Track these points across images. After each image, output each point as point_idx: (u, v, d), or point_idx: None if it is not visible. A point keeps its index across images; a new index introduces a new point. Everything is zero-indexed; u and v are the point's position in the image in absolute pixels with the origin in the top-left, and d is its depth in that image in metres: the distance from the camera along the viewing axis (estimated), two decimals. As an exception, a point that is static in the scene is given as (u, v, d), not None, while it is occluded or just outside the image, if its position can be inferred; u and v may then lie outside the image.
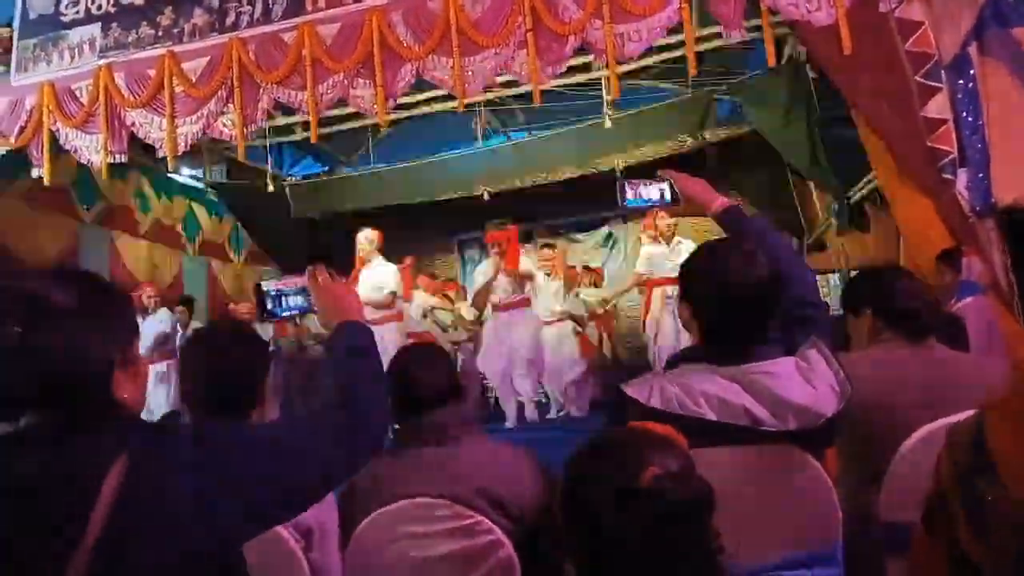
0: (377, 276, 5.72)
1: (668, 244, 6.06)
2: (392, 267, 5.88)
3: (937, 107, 3.54)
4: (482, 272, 5.96)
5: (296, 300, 1.52)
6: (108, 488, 0.90)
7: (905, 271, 2.16)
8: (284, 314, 1.52)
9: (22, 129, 4.38)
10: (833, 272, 7.00)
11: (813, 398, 1.38)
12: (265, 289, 1.51)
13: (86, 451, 0.92)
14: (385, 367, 1.44)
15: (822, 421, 1.37)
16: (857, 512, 1.63)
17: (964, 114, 3.40)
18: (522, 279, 5.95)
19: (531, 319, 6.14)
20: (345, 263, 9.62)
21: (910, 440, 1.65)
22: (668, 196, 1.73)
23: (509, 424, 5.87)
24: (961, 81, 3.41)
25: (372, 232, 5.86)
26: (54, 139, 4.35)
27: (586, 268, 8.08)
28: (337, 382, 1.26)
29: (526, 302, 6.08)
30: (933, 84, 3.55)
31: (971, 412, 0.95)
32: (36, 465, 0.90)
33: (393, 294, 5.72)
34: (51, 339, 0.94)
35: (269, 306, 1.50)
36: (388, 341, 5.43)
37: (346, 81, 3.91)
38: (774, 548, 1.34)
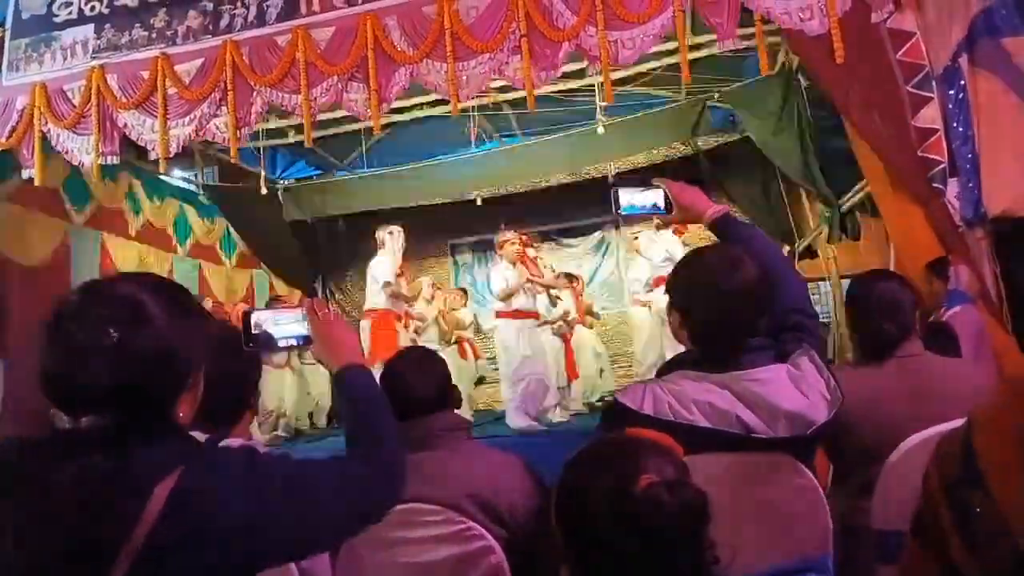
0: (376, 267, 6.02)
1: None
2: (384, 261, 6.05)
3: (928, 117, 3.57)
4: (505, 278, 5.91)
5: (292, 328, 1.43)
6: (159, 497, 0.90)
7: (883, 280, 2.15)
8: (279, 344, 1.44)
9: (13, 130, 4.34)
10: (824, 280, 7.03)
11: (804, 405, 1.39)
12: (254, 318, 1.41)
13: (144, 458, 0.94)
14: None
15: (813, 429, 1.38)
16: (848, 523, 1.64)
17: (955, 124, 3.42)
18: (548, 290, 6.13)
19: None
20: (335, 267, 9.64)
21: (900, 449, 1.66)
22: (661, 204, 1.74)
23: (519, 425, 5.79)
24: (952, 91, 3.43)
25: (392, 227, 6.24)
26: (45, 140, 4.32)
27: (568, 275, 8.03)
28: (354, 434, 1.27)
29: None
30: (924, 94, 3.58)
31: (959, 423, 0.95)
32: (93, 466, 0.91)
33: (387, 284, 5.98)
34: (143, 347, 0.97)
35: (257, 337, 1.41)
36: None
37: (340, 85, 3.90)
38: (765, 555, 1.35)
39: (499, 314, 5.91)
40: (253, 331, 1.40)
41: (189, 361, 1.03)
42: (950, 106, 3.47)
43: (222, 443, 1.13)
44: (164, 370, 0.99)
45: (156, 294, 1.02)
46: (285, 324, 1.43)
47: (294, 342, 1.44)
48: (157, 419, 1.00)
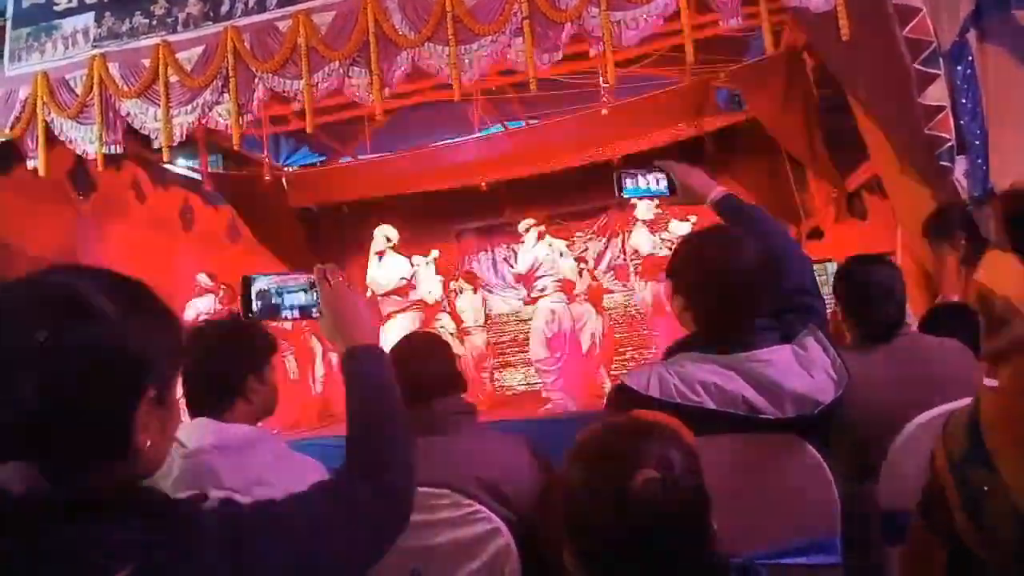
0: (389, 271, 5.83)
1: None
2: (404, 260, 5.99)
3: (935, 94, 3.53)
4: (539, 257, 5.95)
5: (297, 298, 1.26)
6: None
7: (878, 264, 2.15)
8: (283, 315, 1.26)
9: (16, 120, 4.35)
10: (830, 260, 7.00)
11: (810, 386, 1.38)
12: (256, 285, 1.25)
13: (80, 549, 0.72)
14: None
15: (820, 409, 1.37)
16: (850, 504, 1.64)
17: (963, 100, 3.39)
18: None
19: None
20: (340, 253, 9.65)
21: (907, 430, 1.66)
22: (665, 186, 1.72)
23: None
24: (960, 67, 3.40)
25: (387, 228, 5.96)
26: (48, 130, 4.32)
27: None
28: (359, 432, 1.09)
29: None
30: (931, 71, 3.54)
31: (964, 402, 0.94)
32: (4, 555, 0.70)
33: (402, 280, 6.00)
34: (81, 348, 0.75)
35: (256, 305, 1.24)
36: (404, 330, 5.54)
37: (342, 70, 3.88)
38: (773, 536, 1.35)
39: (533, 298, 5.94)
40: (254, 300, 1.24)
41: (144, 367, 0.80)
42: (958, 82, 3.43)
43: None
44: (110, 378, 0.77)
45: (99, 283, 0.80)
46: (290, 293, 1.26)
47: (298, 314, 1.27)
48: (105, 456, 0.77)
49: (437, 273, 7.32)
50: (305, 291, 1.26)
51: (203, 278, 6.42)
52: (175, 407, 0.87)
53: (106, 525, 0.74)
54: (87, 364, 0.75)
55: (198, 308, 6.19)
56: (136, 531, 0.75)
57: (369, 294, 5.92)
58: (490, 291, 8.58)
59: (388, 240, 6.03)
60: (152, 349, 0.81)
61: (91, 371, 0.75)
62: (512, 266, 7.12)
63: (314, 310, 1.25)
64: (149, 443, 0.80)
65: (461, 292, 8.00)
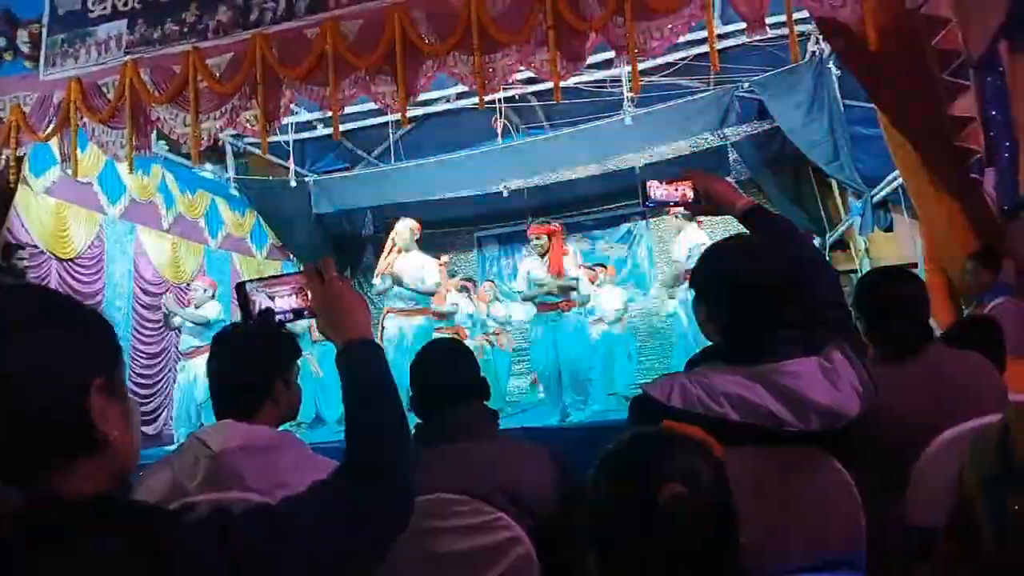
0: (419, 266, 5.70)
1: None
2: (434, 261, 5.89)
3: (964, 106, 3.49)
4: (532, 276, 5.66)
5: (289, 302, 1.25)
6: None
7: (902, 279, 2.11)
8: (277, 318, 1.26)
9: (50, 123, 4.44)
10: (855, 272, 6.93)
11: (836, 399, 1.37)
12: (249, 290, 1.24)
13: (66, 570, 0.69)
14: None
15: (845, 423, 1.36)
16: (875, 519, 1.62)
17: (992, 112, 3.35)
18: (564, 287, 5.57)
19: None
20: (363, 258, 9.71)
21: (934, 444, 1.63)
22: (691, 196, 1.72)
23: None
24: (989, 79, 3.36)
25: (413, 222, 5.87)
26: (81, 134, 4.41)
27: (600, 265, 8.05)
28: (356, 432, 1.07)
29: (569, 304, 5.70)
30: (960, 82, 3.49)
31: (991, 418, 0.93)
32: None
33: (437, 285, 5.80)
34: (20, 354, 0.75)
35: (257, 313, 1.24)
36: (416, 333, 5.48)
37: (367, 78, 3.92)
38: (796, 551, 1.34)
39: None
40: (251, 306, 1.23)
41: (86, 360, 0.80)
42: (987, 94, 3.39)
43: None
44: (56, 374, 0.76)
45: (15, 291, 0.80)
46: (281, 297, 1.25)
47: (291, 316, 1.26)
48: (70, 449, 0.77)
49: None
50: (295, 293, 1.26)
51: (198, 284, 6.38)
52: (130, 401, 0.87)
53: (90, 541, 0.71)
54: (30, 364, 0.75)
55: (208, 315, 6.15)
56: (121, 548, 0.72)
57: (387, 285, 5.79)
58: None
59: (413, 232, 5.89)
60: (88, 345, 0.81)
61: (35, 369, 0.75)
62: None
63: (306, 311, 1.24)
64: (115, 434, 0.80)
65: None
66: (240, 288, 1.24)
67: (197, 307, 6.15)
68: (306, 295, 1.25)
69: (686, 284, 6.02)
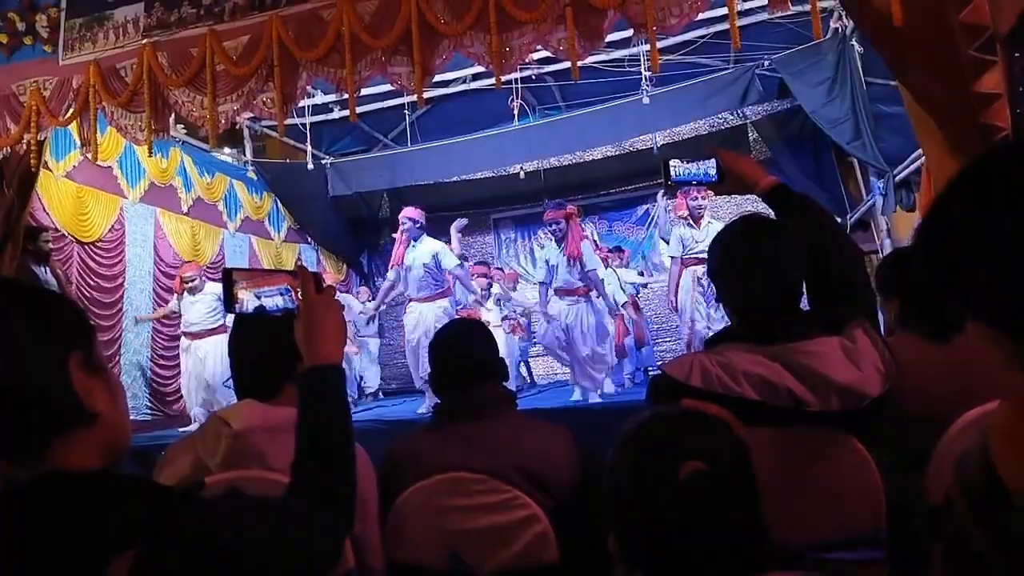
0: (428, 253, 5.75)
1: (699, 225, 5.82)
2: (441, 244, 5.91)
3: (991, 82, 3.41)
4: (548, 261, 5.69)
5: (275, 302, 1.23)
6: None
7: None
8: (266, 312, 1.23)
9: (70, 108, 4.47)
10: (877, 252, 6.85)
11: (857, 378, 1.36)
12: (235, 281, 1.20)
13: (81, 532, 0.72)
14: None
15: (867, 402, 1.35)
16: (897, 497, 1.61)
17: (1020, 89, 3.27)
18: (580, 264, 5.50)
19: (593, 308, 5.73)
20: (379, 240, 9.74)
21: (957, 423, 1.61)
22: (713, 174, 1.70)
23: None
24: (1018, 54, 3.28)
25: (413, 210, 5.87)
26: (100, 118, 4.43)
27: (617, 249, 8.00)
28: (309, 454, 1.09)
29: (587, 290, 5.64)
30: (987, 57, 3.41)
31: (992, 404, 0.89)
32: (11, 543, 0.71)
33: (459, 260, 5.88)
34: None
35: (240, 300, 1.20)
36: (434, 319, 5.51)
37: (384, 58, 3.90)
38: (818, 530, 1.33)
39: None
40: (236, 293, 1.20)
41: (60, 335, 0.84)
42: (1015, 70, 3.31)
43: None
44: (31, 351, 0.80)
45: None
46: (267, 297, 1.23)
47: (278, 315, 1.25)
48: (61, 424, 0.81)
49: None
50: (282, 295, 1.24)
51: (190, 273, 6.42)
52: (113, 377, 0.90)
53: (104, 504, 0.74)
54: (3, 343, 0.79)
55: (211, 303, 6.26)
56: (135, 512, 0.74)
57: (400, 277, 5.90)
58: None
59: (415, 221, 5.87)
60: (59, 321, 0.85)
61: (10, 348, 0.79)
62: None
63: (292, 310, 1.23)
64: (102, 407, 0.84)
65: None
66: (227, 275, 1.21)
67: (192, 294, 6.29)
68: (293, 297, 1.23)
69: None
